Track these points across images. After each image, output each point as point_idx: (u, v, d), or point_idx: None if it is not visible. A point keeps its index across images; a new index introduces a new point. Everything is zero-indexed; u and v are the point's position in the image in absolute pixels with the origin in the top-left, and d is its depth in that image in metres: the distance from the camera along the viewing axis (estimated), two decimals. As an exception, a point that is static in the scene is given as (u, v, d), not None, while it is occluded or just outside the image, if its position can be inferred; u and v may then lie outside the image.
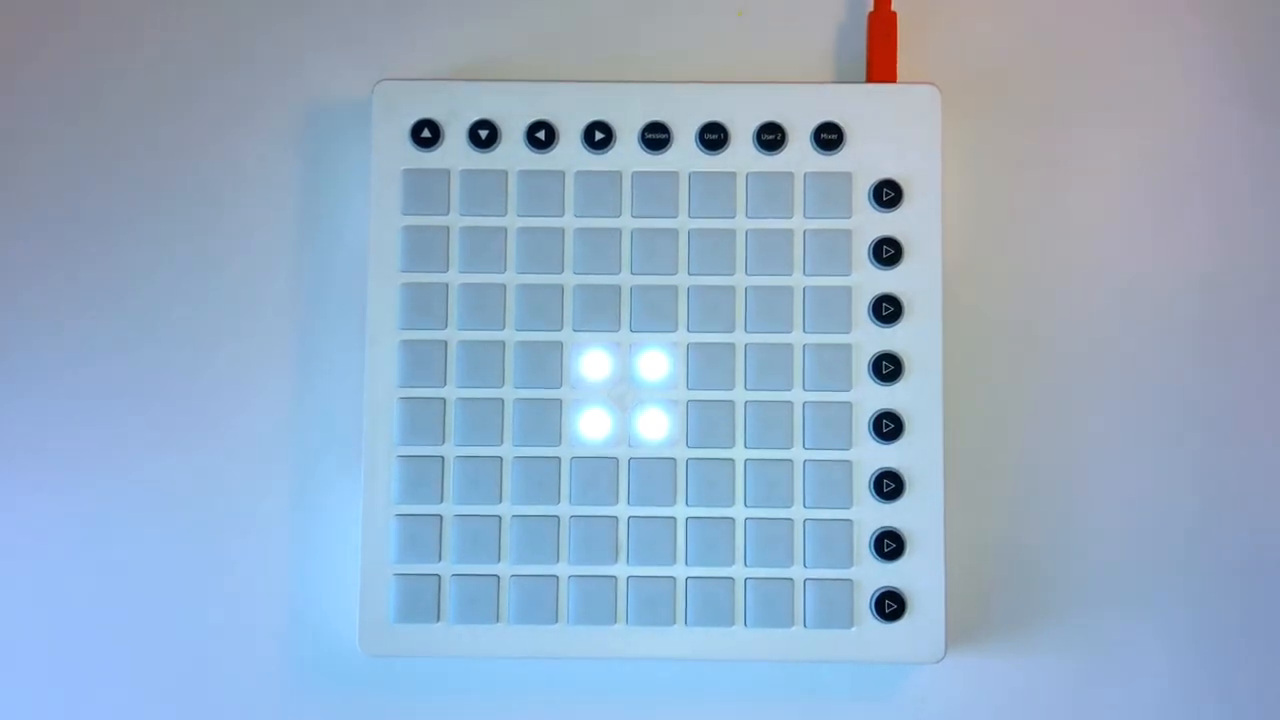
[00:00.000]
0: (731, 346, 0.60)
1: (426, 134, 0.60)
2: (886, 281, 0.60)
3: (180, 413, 0.63)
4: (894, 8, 0.62)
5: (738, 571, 0.59)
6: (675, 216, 0.61)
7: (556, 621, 0.59)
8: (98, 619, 0.62)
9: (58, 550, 0.63)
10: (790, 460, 0.60)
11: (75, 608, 0.62)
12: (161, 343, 0.63)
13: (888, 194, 0.60)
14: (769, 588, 0.59)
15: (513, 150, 0.61)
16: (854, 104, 0.61)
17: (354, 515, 0.60)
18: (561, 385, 0.60)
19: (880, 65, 0.62)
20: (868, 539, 0.59)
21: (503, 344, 0.60)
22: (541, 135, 0.61)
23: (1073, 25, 0.64)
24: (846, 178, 0.61)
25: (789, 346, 0.60)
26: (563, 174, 0.61)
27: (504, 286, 0.61)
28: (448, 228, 0.61)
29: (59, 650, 0.62)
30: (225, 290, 0.63)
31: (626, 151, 0.61)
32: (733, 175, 0.61)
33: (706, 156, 0.61)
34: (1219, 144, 0.64)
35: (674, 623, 0.59)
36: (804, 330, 0.60)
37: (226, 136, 0.64)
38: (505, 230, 0.61)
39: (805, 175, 0.61)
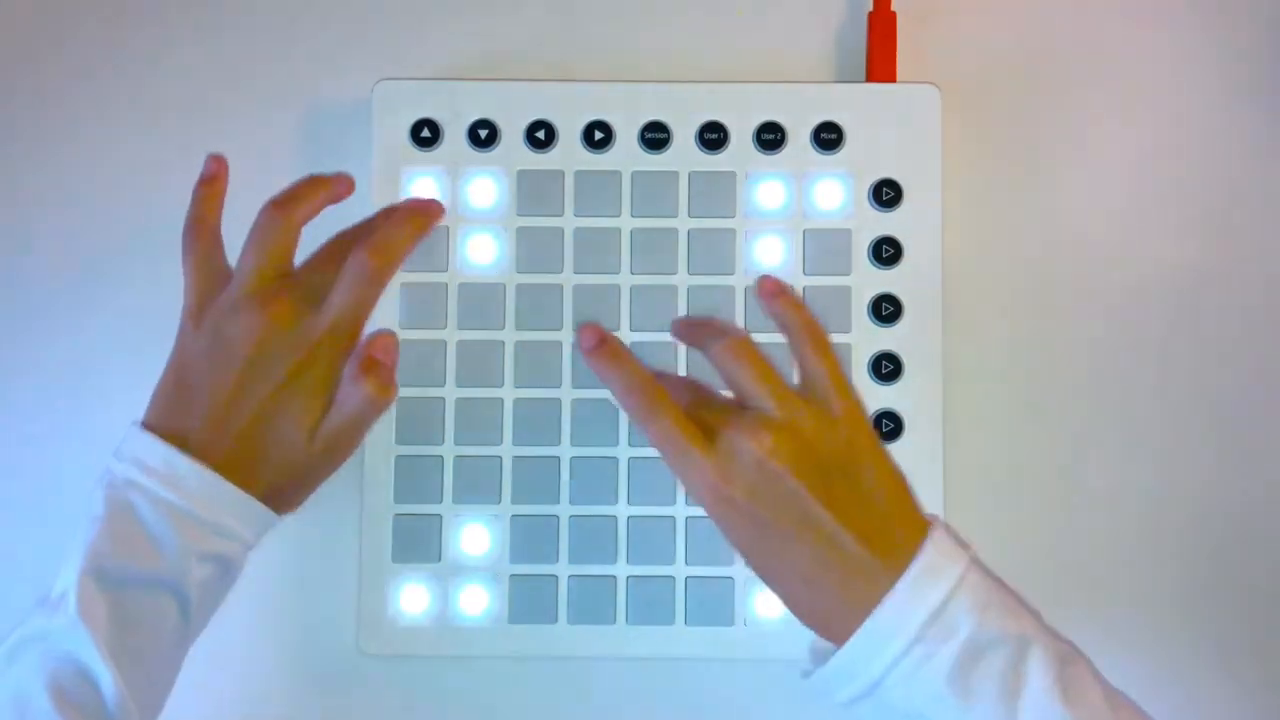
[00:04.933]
0: (731, 346, 0.60)
1: (426, 134, 0.61)
2: (886, 281, 0.60)
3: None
4: (894, 8, 0.62)
5: (737, 571, 0.59)
6: (675, 216, 0.61)
7: (556, 621, 0.59)
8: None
9: (57, 549, 0.62)
10: (790, 460, 0.59)
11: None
12: (163, 342, 0.63)
13: (887, 193, 0.60)
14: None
15: (512, 150, 0.61)
16: (854, 104, 0.61)
17: (354, 515, 0.60)
18: (561, 385, 0.60)
19: (880, 65, 0.62)
20: (868, 539, 0.59)
21: (502, 344, 0.60)
22: (541, 135, 0.61)
23: (1073, 25, 0.64)
24: (846, 177, 0.61)
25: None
26: (562, 173, 0.61)
27: (504, 286, 0.60)
28: (448, 227, 0.61)
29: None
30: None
31: (626, 151, 0.61)
32: (733, 175, 0.61)
33: (706, 156, 0.61)
34: (1219, 143, 0.63)
35: (673, 622, 0.59)
36: (804, 330, 0.60)
37: (227, 137, 0.64)
38: (505, 230, 0.61)
39: (805, 174, 0.61)
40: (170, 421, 0.52)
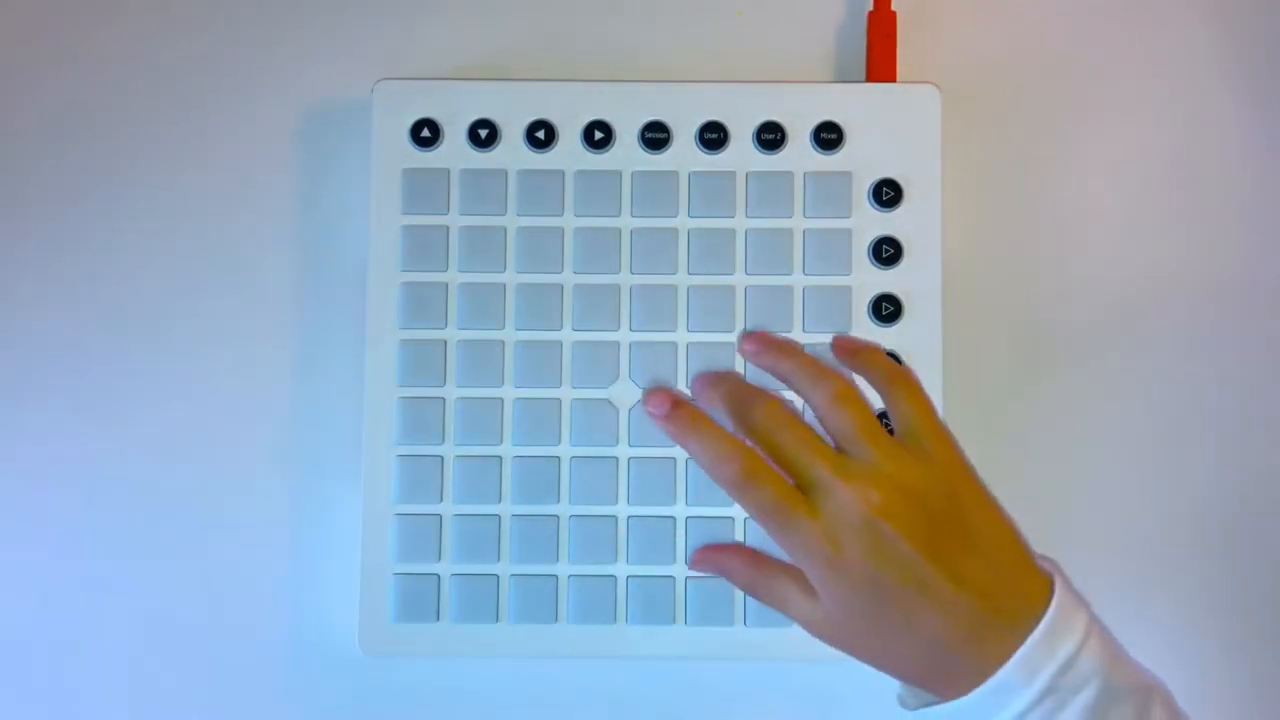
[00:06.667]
0: (731, 346, 0.60)
1: (426, 133, 0.61)
2: (886, 281, 0.60)
3: (180, 412, 0.63)
4: (894, 8, 0.62)
5: (738, 571, 0.59)
6: (675, 216, 0.61)
7: (556, 621, 0.59)
8: (98, 618, 0.62)
9: (58, 550, 0.63)
10: (790, 460, 0.59)
11: (76, 606, 0.62)
12: (162, 342, 0.63)
13: (887, 193, 0.60)
14: (769, 587, 0.59)
15: (512, 150, 0.61)
16: (854, 103, 0.61)
17: (354, 515, 0.60)
18: (561, 385, 0.60)
19: (880, 65, 0.62)
20: (868, 539, 0.59)
21: (502, 343, 0.60)
22: (541, 135, 0.61)
23: (1072, 26, 0.64)
24: (846, 177, 0.61)
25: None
26: (562, 173, 0.61)
27: (504, 286, 0.60)
28: (447, 227, 0.61)
29: (60, 650, 0.62)
30: (225, 290, 0.63)
31: (626, 151, 0.61)
32: (733, 175, 0.61)
33: (706, 156, 0.61)
34: (1219, 143, 0.64)
35: (674, 622, 0.59)
36: (803, 330, 0.60)
37: (227, 136, 0.64)
38: (505, 230, 0.61)
39: (805, 174, 0.61)
40: None
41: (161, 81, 0.64)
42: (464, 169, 0.61)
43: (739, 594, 0.59)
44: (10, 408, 0.63)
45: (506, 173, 0.61)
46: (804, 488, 0.46)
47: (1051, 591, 0.46)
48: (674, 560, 0.59)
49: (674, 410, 0.48)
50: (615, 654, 0.59)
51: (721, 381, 0.50)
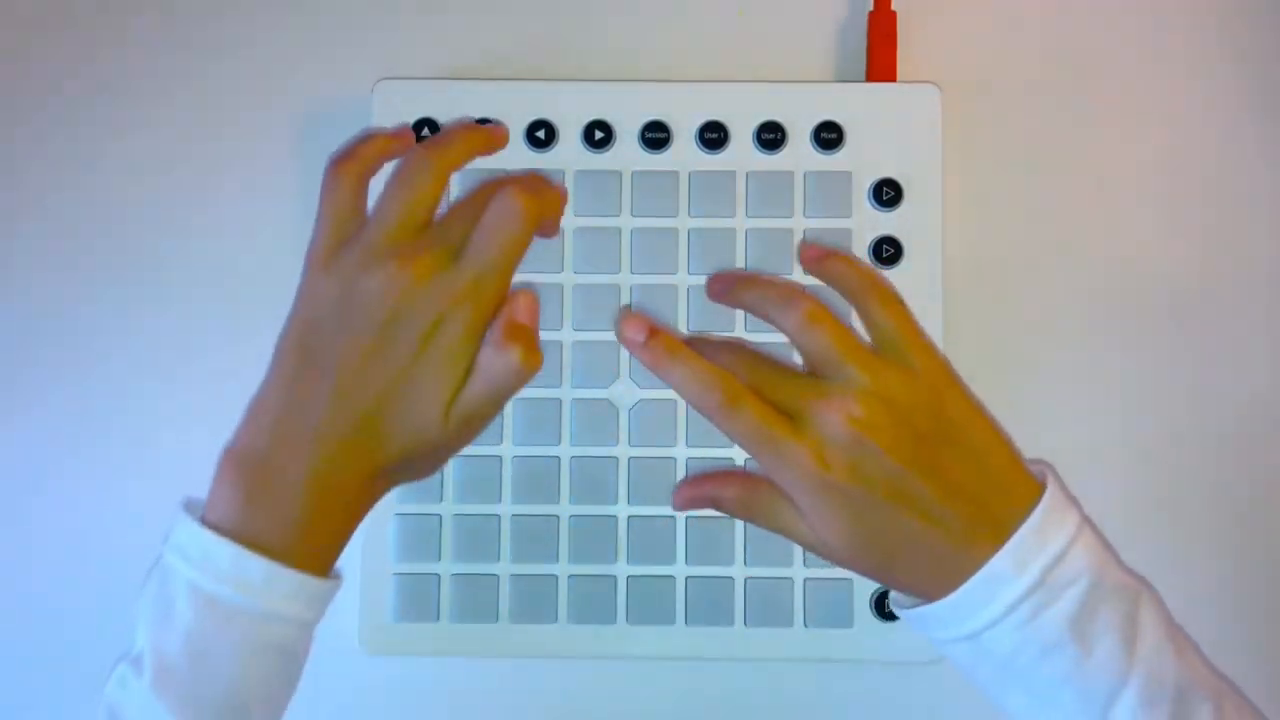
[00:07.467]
0: (731, 346, 0.60)
1: (426, 134, 0.61)
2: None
3: (182, 413, 0.63)
4: (894, 8, 0.62)
5: (737, 571, 0.59)
6: (675, 216, 0.61)
7: (556, 621, 0.59)
8: (98, 618, 0.62)
9: (59, 548, 0.63)
10: (790, 460, 0.59)
11: (77, 605, 0.62)
12: (162, 342, 0.63)
13: (888, 193, 0.60)
14: (768, 587, 0.59)
15: (512, 150, 0.61)
16: (854, 103, 0.61)
17: (354, 515, 0.60)
18: (561, 385, 0.60)
19: (880, 65, 0.62)
20: (868, 538, 0.59)
21: (503, 343, 0.60)
22: (541, 134, 0.61)
23: (1073, 25, 0.64)
24: (846, 177, 0.61)
25: (790, 345, 0.60)
26: (563, 173, 0.61)
27: (504, 286, 0.60)
28: (448, 227, 0.61)
29: (61, 648, 0.62)
30: (225, 290, 0.63)
31: (626, 151, 0.61)
32: (733, 174, 0.61)
33: (706, 156, 0.61)
34: (1219, 144, 0.63)
35: (673, 622, 0.59)
36: (804, 330, 0.60)
37: (227, 136, 0.64)
38: (505, 230, 0.61)
39: (805, 174, 0.61)
40: (286, 400, 0.47)
41: (161, 81, 0.64)
42: (464, 169, 0.61)
43: (738, 593, 0.59)
44: (11, 405, 0.63)
45: (506, 173, 0.61)
46: (788, 411, 0.46)
47: (1042, 493, 0.45)
48: (674, 560, 0.59)
49: (652, 338, 0.47)
50: (615, 654, 0.59)
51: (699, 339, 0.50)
